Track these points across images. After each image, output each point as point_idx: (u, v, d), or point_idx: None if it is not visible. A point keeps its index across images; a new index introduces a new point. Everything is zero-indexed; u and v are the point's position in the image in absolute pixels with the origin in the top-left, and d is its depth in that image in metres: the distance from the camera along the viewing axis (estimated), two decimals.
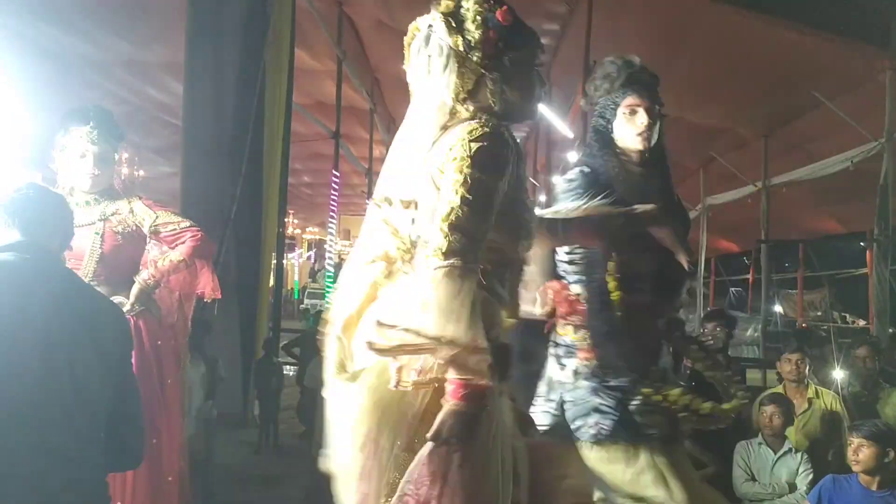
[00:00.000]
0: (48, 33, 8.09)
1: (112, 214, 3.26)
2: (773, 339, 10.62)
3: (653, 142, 2.71)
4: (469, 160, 1.80)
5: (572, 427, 2.62)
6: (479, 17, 1.91)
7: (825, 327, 10.99)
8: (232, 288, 5.49)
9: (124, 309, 3.20)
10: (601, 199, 2.55)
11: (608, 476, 2.60)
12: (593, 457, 2.59)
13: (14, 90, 5.86)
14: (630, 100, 2.69)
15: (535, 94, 2.03)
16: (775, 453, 4.10)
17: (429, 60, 1.93)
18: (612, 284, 2.61)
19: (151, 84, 10.12)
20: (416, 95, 2.02)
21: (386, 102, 12.89)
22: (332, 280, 13.25)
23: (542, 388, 2.77)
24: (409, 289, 1.84)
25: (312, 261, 31.15)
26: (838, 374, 4.69)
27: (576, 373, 2.66)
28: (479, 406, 1.73)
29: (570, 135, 9.26)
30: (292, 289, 28.04)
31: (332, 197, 10.65)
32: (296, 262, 31.33)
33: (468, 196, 1.78)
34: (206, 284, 3.41)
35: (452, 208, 1.78)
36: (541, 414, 2.70)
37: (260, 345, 5.86)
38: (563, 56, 8.44)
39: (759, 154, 9.89)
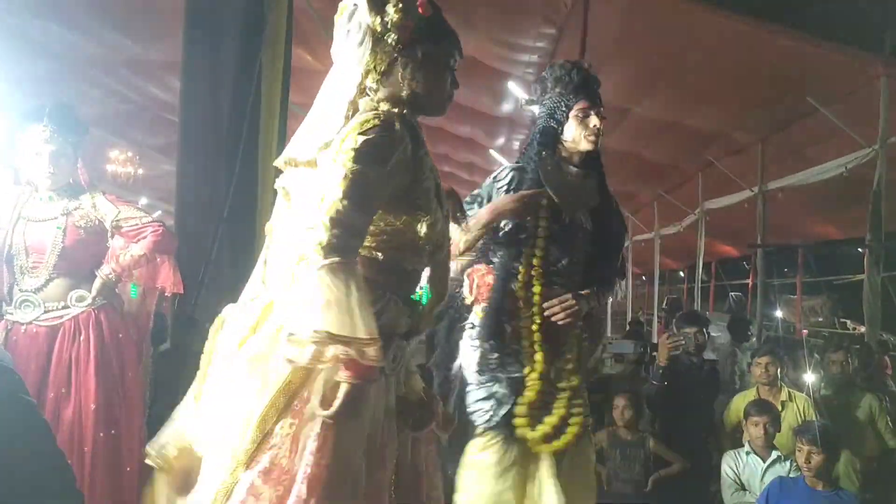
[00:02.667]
0: (50, 31, 8.14)
1: (74, 209, 3.33)
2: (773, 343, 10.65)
3: (598, 142, 2.88)
4: (353, 153, 1.88)
5: (468, 410, 2.77)
6: (400, 3, 1.99)
7: (825, 333, 11.01)
8: (225, 285, 5.53)
9: (86, 302, 3.28)
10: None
11: (478, 464, 2.71)
12: (476, 442, 2.74)
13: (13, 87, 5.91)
14: (582, 103, 2.87)
15: (445, 91, 2.10)
16: (764, 462, 4.13)
17: (347, 35, 2.03)
18: (522, 272, 2.80)
19: (154, 82, 10.17)
20: (332, 69, 2.11)
21: None
22: None
23: (455, 368, 2.90)
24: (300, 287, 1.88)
25: None
26: (809, 377, 4.73)
27: (483, 357, 2.82)
28: (367, 381, 1.82)
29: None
30: None
31: None
32: None
33: (349, 190, 1.85)
34: (167, 279, 3.48)
35: (333, 202, 1.84)
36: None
37: None
38: (560, 58, 8.45)
39: (755, 159, 9.93)
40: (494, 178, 2.96)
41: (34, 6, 7.30)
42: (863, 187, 7.29)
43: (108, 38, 8.64)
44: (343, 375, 1.80)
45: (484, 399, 2.75)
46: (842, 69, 7.02)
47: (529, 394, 2.74)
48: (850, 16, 6.68)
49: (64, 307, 3.31)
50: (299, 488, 1.78)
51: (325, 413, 1.80)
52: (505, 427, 2.73)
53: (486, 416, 2.74)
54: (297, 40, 7.35)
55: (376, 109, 2.00)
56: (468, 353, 2.85)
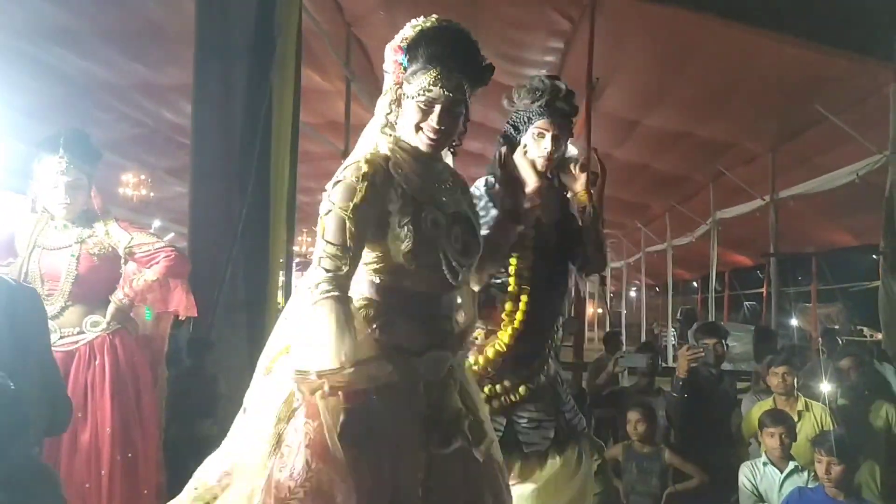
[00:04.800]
0: (63, 56, 8.24)
1: (88, 237, 3.36)
2: (780, 352, 10.58)
3: (552, 165, 2.83)
4: (328, 196, 2.04)
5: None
6: (394, 47, 2.12)
7: (840, 341, 10.93)
8: (240, 306, 5.56)
9: (100, 327, 3.31)
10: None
11: None
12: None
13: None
14: (542, 123, 2.81)
15: (424, 127, 2.11)
16: (781, 472, 4.09)
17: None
18: (512, 283, 2.79)
19: (166, 106, 10.27)
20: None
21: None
22: None
23: None
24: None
25: None
26: (825, 386, 4.69)
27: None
28: (359, 406, 1.93)
29: (575, 151, 9.30)
30: None
31: None
32: None
33: (327, 230, 2.01)
34: (181, 303, 3.50)
35: (319, 242, 2.03)
36: None
37: None
38: (567, 73, 8.50)
39: (766, 168, 9.91)
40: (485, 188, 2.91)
41: (48, 33, 7.40)
42: (875, 194, 7.26)
43: (120, 63, 8.74)
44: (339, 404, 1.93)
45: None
46: (851, 76, 7.02)
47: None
48: (858, 23, 6.67)
49: (79, 333, 3.33)
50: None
51: (329, 436, 1.91)
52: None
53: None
54: (306, 61, 7.43)
55: (394, 143, 2.14)
56: None
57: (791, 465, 4.08)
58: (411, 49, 2.07)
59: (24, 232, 3.37)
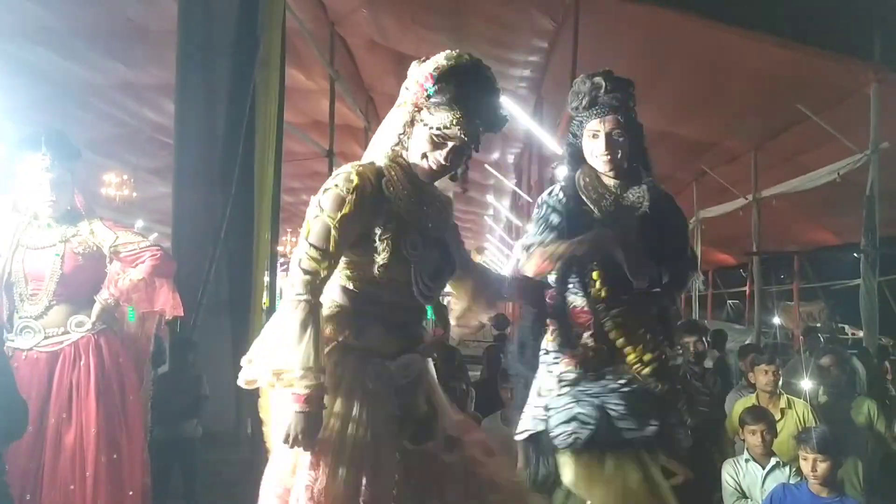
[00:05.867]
0: (44, 56, 8.19)
1: (73, 236, 3.32)
2: (764, 351, 10.66)
3: (617, 163, 2.75)
4: (317, 203, 2.11)
5: (552, 434, 2.68)
6: (420, 74, 2.14)
7: (821, 338, 11.01)
8: (224, 307, 5.54)
9: (85, 328, 3.28)
10: (555, 235, 2.68)
11: (577, 484, 2.67)
12: (569, 463, 2.66)
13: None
14: (592, 124, 2.74)
15: (430, 158, 2.18)
16: (763, 468, 4.11)
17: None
18: (596, 290, 2.70)
19: (147, 106, 10.23)
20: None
21: (380, 120, 12.94)
22: None
23: (532, 394, 2.83)
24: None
25: None
26: (807, 384, 4.73)
27: (560, 380, 2.72)
28: (315, 408, 2.02)
29: (560, 150, 9.31)
30: None
31: None
32: None
33: (309, 236, 2.09)
34: (167, 303, 3.47)
35: (300, 246, 2.11)
36: (531, 419, 2.77)
37: None
38: (552, 73, 8.53)
39: (749, 167, 9.98)
40: (553, 196, 2.83)
41: (29, 33, 7.34)
42: (856, 193, 7.33)
43: (102, 63, 8.70)
44: (295, 406, 2.02)
45: (566, 422, 2.68)
46: (832, 76, 7.08)
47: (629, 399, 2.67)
48: (839, 23, 6.74)
49: (64, 333, 3.30)
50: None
51: (286, 441, 2.02)
52: (592, 444, 2.65)
53: (571, 440, 2.65)
54: (290, 60, 7.41)
55: (388, 159, 2.22)
56: (546, 379, 2.79)
57: (773, 461, 4.10)
58: (441, 81, 2.10)
59: (6, 232, 3.33)
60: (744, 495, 4.11)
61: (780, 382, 4.60)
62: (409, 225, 2.15)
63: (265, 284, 5.97)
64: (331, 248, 2.07)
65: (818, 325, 13.06)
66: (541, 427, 2.73)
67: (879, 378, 5.88)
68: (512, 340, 2.90)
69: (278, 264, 6.97)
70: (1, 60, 7.51)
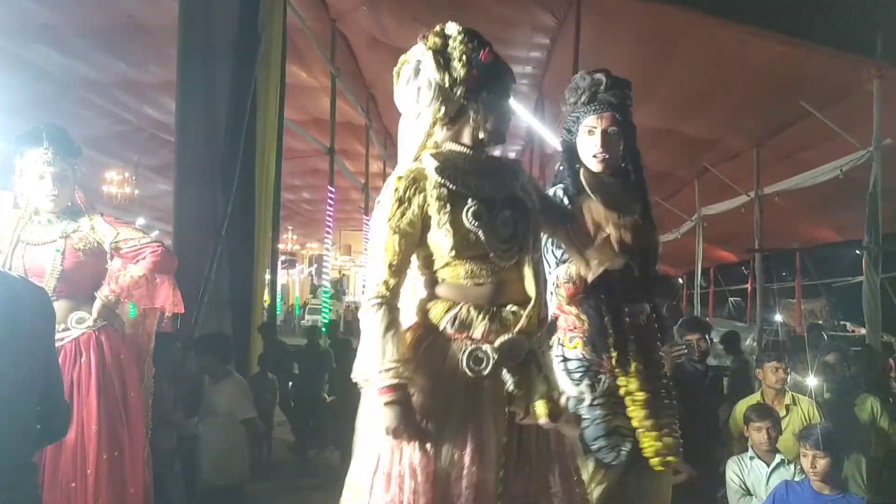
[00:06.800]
0: (45, 54, 8.18)
1: (73, 232, 3.31)
2: (774, 348, 10.65)
3: (611, 161, 2.71)
4: (375, 212, 2.19)
5: (592, 447, 2.59)
6: (464, 57, 2.15)
7: (825, 336, 11.00)
8: (225, 304, 5.54)
9: (86, 324, 3.27)
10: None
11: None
12: (610, 476, 2.60)
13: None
14: (589, 120, 2.70)
15: (507, 121, 2.27)
16: (768, 466, 4.10)
17: (418, 93, 2.20)
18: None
19: (148, 103, 10.22)
20: (404, 119, 2.30)
21: (381, 117, 12.97)
22: (329, 296, 13.27)
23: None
24: None
25: (313, 277, 31.12)
26: (812, 381, 4.72)
27: (592, 389, 2.63)
28: (402, 398, 2.07)
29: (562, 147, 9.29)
30: (293, 305, 28.03)
31: (328, 212, 10.69)
32: (296, 278, 31.32)
33: (373, 245, 2.19)
34: (167, 299, 3.46)
35: (371, 268, 2.19)
36: None
37: (254, 361, 5.90)
38: (553, 69, 8.51)
39: (751, 165, 9.95)
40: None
41: (30, 30, 7.33)
42: (858, 189, 7.31)
43: (103, 61, 8.69)
44: (382, 399, 2.08)
45: (605, 436, 2.59)
46: (835, 73, 7.06)
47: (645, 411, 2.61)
48: (841, 20, 6.71)
49: (64, 329, 3.28)
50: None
51: (388, 433, 2.08)
52: (633, 457, 2.59)
53: (613, 455, 2.58)
54: (291, 58, 7.40)
55: (435, 150, 2.24)
56: (571, 389, 2.65)
57: (777, 458, 4.09)
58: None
59: (6, 228, 3.32)
60: (748, 493, 4.09)
61: (788, 380, 4.60)
62: (467, 198, 2.16)
63: (266, 281, 5.97)
64: (394, 260, 2.15)
65: (820, 322, 13.06)
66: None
67: (882, 375, 5.86)
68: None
69: (279, 261, 6.97)
70: (1, 58, 7.50)
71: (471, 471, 2.09)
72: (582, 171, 2.72)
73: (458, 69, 2.14)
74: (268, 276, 5.87)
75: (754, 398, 4.57)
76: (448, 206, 2.14)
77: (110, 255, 3.37)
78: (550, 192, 2.74)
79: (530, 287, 2.22)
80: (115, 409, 3.25)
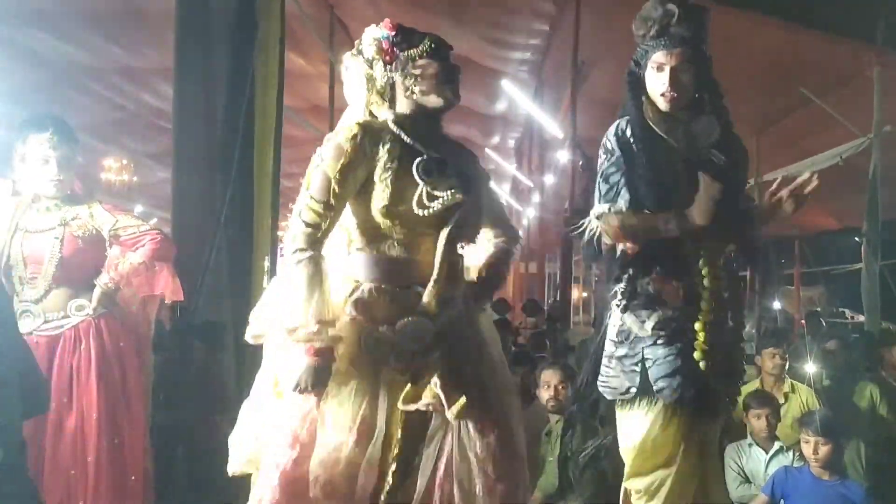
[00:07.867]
0: (41, 40, 8.13)
1: (72, 219, 3.32)
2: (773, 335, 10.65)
3: (679, 101, 2.54)
4: (318, 156, 2.20)
5: (655, 387, 2.47)
6: (371, 38, 2.27)
7: (824, 323, 11.01)
8: (224, 291, 5.52)
9: (85, 311, 3.28)
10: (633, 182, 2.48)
11: (661, 443, 2.49)
12: (672, 417, 2.47)
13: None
14: (658, 56, 2.52)
15: (444, 83, 2.27)
16: (767, 453, 4.12)
17: (358, 87, 2.34)
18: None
19: (146, 90, 10.17)
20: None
21: None
22: None
23: (610, 346, 2.60)
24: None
25: None
26: (811, 367, 4.73)
27: (656, 328, 2.49)
28: (325, 360, 2.11)
29: (561, 134, 9.29)
30: None
31: None
32: None
33: (312, 189, 2.17)
34: (167, 286, 3.47)
35: (300, 199, 2.20)
36: (620, 374, 2.54)
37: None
38: (553, 56, 8.48)
39: (751, 151, 9.90)
40: (620, 135, 2.55)
41: (25, 16, 7.28)
42: (858, 177, 7.30)
43: (99, 46, 8.64)
44: (306, 357, 2.11)
45: (669, 376, 2.44)
46: (835, 59, 7.03)
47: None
48: (841, 5, 6.68)
49: (64, 317, 3.29)
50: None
51: (296, 390, 2.13)
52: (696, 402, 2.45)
53: (677, 395, 2.43)
54: (289, 44, 7.35)
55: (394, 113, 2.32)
56: (635, 327, 2.51)
57: (776, 445, 4.11)
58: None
59: (5, 215, 3.32)
60: (747, 480, 4.11)
61: (787, 366, 4.61)
62: (417, 154, 2.20)
63: (265, 269, 5.96)
64: (331, 200, 2.14)
65: (818, 309, 13.07)
66: (637, 382, 2.49)
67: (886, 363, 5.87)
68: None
69: (278, 249, 6.96)
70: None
71: (352, 449, 2.11)
72: (647, 105, 2.57)
73: (367, 49, 2.27)
74: (267, 263, 5.84)
75: (752, 385, 4.58)
76: (397, 161, 2.16)
77: (109, 243, 3.39)
78: (614, 125, 2.61)
79: (436, 265, 2.20)
80: (114, 396, 3.27)
